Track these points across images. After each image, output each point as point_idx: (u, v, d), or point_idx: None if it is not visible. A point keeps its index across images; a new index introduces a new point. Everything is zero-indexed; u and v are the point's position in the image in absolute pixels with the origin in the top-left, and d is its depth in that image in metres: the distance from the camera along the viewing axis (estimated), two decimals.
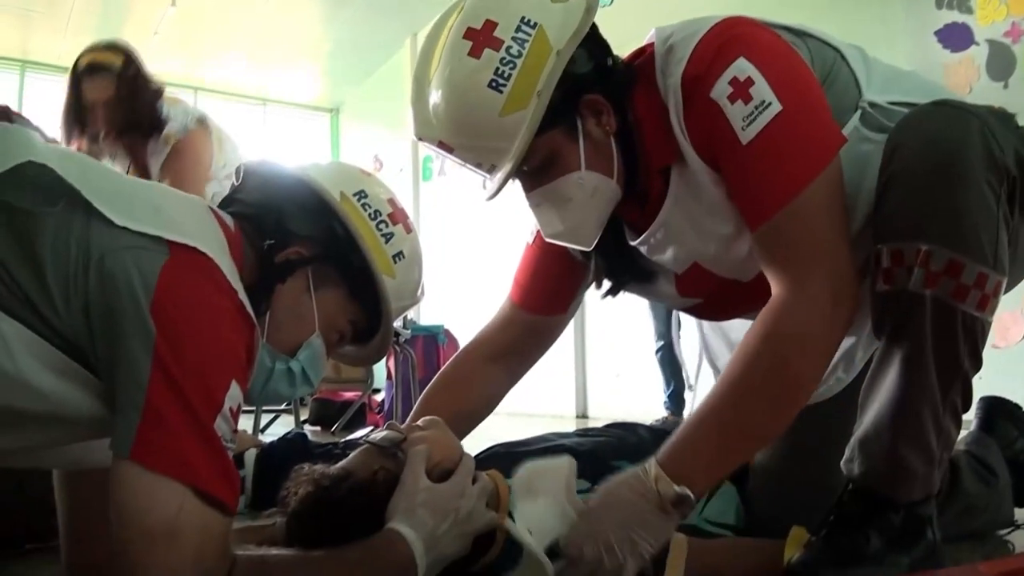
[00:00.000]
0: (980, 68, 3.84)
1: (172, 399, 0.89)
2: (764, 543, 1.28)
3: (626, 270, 1.49)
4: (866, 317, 1.37)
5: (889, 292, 1.13)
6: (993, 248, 1.08)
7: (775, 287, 1.19)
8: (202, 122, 2.90)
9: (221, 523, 0.92)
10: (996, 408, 1.69)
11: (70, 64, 2.72)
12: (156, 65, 2.86)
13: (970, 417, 1.48)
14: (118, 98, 2.72)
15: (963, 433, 1.63)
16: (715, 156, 1.23)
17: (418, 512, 1.08)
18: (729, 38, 1.21)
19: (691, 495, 1.11)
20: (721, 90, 1.19)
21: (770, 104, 1.15)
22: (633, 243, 1.43)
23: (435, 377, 1.61)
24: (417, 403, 1.57)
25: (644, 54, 1.33)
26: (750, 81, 1.17)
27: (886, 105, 1.26)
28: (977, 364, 1.13)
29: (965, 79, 3.86)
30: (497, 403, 1.61)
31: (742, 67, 1.18)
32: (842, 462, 1.20)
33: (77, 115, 2.74)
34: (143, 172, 2.83)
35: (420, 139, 1.28)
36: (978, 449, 1.59)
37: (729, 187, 1.24)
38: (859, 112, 1.26)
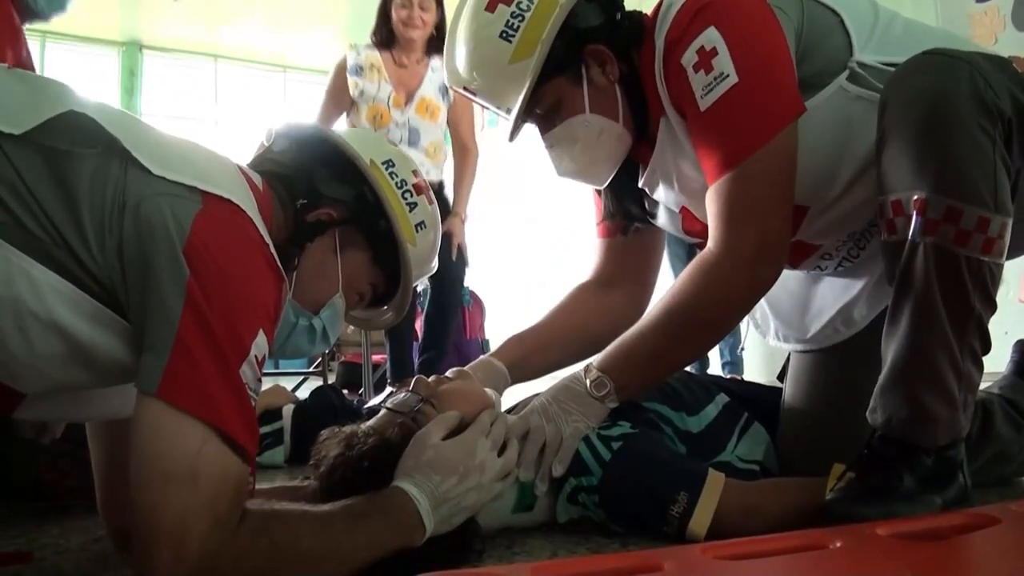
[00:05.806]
0: (1006, 18, 3.79)
1: (202, 340, 0.90)
2: (805, 481, 1.29)
3: (634, 208, 1.61)
4: (868, 272, 1.39)
5: (893, 242, 1.15)
6: (992, 191, 1.08)
7: (710, 241, 1.31)
8: None
9: (239, 469, 0.93)
10: None
11: (89, 34, 2.72)
12: (175, 32, 2.87)
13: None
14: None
15: (997, 377, 1.64)
16: (683, 117, 1.35)
17: (423, 470, 1.11)
18: (707, 4, 1.29)
19: (610, 383, 1.32)
20: (688, 58, 1.29)
21: (728, 76, 1.25)
22: (640, 184, 1.54)
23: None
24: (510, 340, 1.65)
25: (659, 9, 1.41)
26: (714, 52, 1.26)
27: (880, 66, 1.28)
28: (990, 306, 1.14)
29: (990, 29, 3.81)
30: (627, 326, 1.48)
31: (710, 37, 1.27)
32: (867, 412, 1.21)
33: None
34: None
35: (451, 86, 1.45)
36: (1012, 393, 1.59)
37: (693, 148, 1.35)
38: (847, 72, 1.30)
